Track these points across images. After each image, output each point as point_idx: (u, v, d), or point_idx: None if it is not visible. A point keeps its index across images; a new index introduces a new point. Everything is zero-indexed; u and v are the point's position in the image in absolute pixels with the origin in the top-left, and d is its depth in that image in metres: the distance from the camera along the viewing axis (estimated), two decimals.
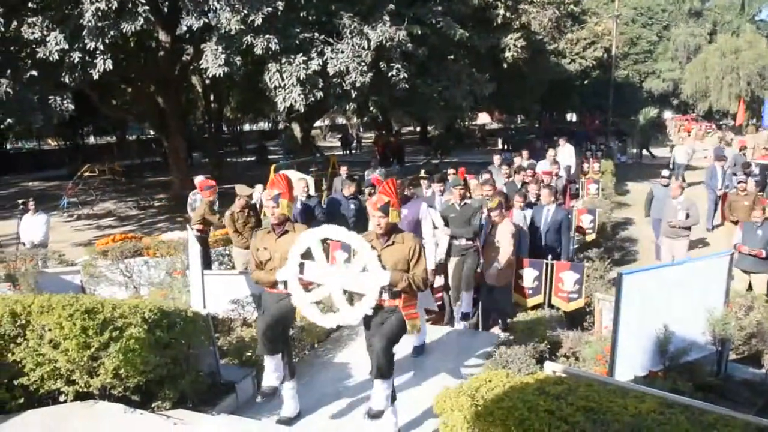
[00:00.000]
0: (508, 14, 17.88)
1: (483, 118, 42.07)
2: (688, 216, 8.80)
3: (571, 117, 49.29)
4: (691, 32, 49.40)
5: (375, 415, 4.28)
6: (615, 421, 2.99)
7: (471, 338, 6.65)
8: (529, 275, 7.30)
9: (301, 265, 4.46)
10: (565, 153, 15.99)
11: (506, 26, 18.11)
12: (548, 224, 7.77)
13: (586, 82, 38.51)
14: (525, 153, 13.86)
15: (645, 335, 4.92)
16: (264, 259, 4.90)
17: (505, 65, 18.53)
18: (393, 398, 4.63)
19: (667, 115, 48.54)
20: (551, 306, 6.96)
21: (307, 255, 4.50)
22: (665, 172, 9.54)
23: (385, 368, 4.35)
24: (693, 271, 5.39)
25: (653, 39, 50.78)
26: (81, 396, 4.54)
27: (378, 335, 4.40)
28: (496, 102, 25.62)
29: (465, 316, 7.13)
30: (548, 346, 5.42)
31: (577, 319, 6.60)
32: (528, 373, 3.85)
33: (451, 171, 9.53)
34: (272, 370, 4.72)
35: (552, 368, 4.10)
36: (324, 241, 4.54)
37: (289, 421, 4.83)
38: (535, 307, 6.88)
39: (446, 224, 7.13)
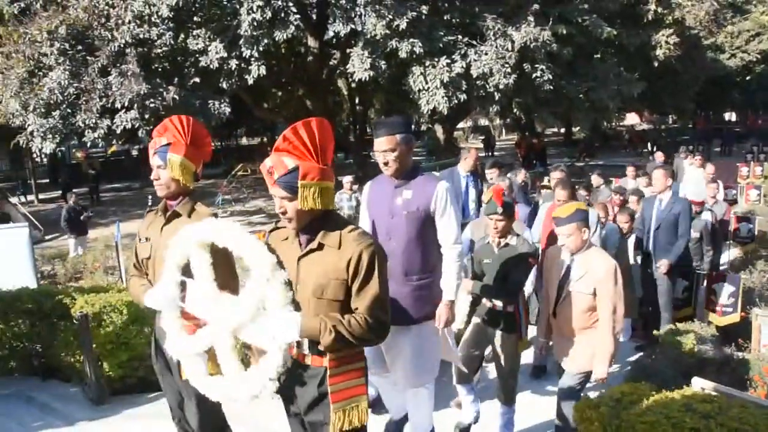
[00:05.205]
0: (659, 9, 17.00)
1: (631, 118, 40.25)
2: None
3: (730, 116, 45.97)
4: None
5: None
6: None
7: None
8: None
9: (183, 285, 2.64)
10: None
11: (658, 22, 17.26)
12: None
13: (748, 77, 35.78)
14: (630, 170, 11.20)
15: None
16: (143, 257, 3.17)
17: (656, 63, 17.67)
18: None
19: None
20: (702, 319, 6.61)
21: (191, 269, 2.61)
22: None
23: None
24: None
25: None
26: None
27: None
28: (645, 101, 24.43)
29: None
30: (697, 362, 5.18)
31: (732, 336, 6.23)
32: (673, 388, 3.68)
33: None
34: None
35: (701, 385, 3.89)
36: (211, 248, 2.55)
37: None
38: (683, 320, 6.57)
39: (476, 275, 4.54)
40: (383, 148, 3.48)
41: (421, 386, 3.75)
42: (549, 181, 7.81)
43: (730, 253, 9.41)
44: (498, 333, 4.35)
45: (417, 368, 3.66)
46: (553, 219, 4.20)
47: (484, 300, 4.41)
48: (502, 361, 4.38)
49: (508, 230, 4.33)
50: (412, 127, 3.81)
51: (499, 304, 4.32)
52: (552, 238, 5.30)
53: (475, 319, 4.52)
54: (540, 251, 5.67)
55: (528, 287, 5.03)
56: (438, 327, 3.71)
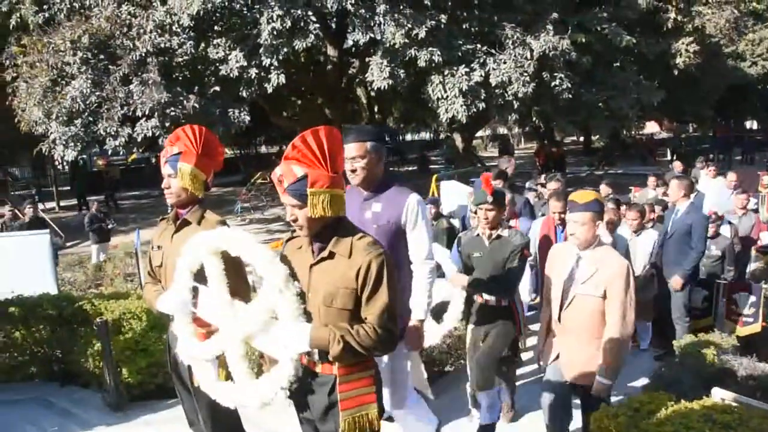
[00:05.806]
0: (679, 17, 16.89)
1: (651, 126, 39.94)
2: None
3: (751, 124, 45.44)
4: None
5: None
6: None
7: (631, 356, 6.41)
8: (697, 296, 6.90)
9: (195, 290, 2.73)
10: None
11: (677, 30, 17.15)
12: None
13: None
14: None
15: None
16: (155, 264, 3.26)
17: (675, 71, 17.55)
18: None
19: None
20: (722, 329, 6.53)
21: (203, 275, 2.70)
22: None
23: None
24: None
25: None
26: None
27: None
28: (665, 110, 24.24)
29: (486, 430, 4.28)
30: (717, 372, 5.12)
31: (753, 346, 6.15)
32: (693, 398, 3.63)
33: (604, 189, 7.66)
34: None
35: (721, 395, 3.84)
36: (223, 255, 2.65)
37: None
38: (704, 329, 6.49)
39: (467, 269, 4.25)
40: (351, 154, 3.32)
41: (400, 408, 3.59)
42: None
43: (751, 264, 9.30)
44: (492, 326, 4.06)
45: (389, 395, 3.50)
46: (568, 202, 3.81)
47: (475, 296, 4.12)
48: (489, 342, 4.02)
49: (498, 221, 4.06)
50: (385, 137, 3.66)
51: (492, 299, 4.04)
52: (547, 243, 5.27)
53: (470, 324, 4.24)
54: (538, 261, 5.57)
55: (525, 289, 4.90)
56: (407, 350, 3.49)
